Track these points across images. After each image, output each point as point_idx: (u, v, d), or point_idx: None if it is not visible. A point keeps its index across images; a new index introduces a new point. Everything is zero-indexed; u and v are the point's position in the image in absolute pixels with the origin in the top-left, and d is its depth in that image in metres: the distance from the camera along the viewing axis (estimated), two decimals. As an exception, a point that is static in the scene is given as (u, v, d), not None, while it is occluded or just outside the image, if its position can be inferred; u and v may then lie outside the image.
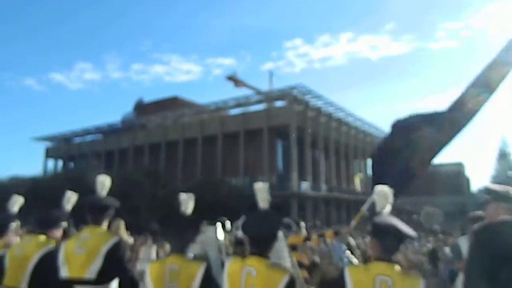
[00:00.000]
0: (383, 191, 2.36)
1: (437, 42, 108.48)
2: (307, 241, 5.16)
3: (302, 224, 6.20)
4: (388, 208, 2.30)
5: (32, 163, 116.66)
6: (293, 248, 4.55)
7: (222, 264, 3.30)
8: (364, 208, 3.64)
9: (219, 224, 4.06)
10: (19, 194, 3.62)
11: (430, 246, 11.87)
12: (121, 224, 5.84)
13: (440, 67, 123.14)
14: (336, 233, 5.15)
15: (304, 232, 6.03)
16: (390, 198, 2.34)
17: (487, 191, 2.62)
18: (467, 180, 68.75)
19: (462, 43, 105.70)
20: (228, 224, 4.60)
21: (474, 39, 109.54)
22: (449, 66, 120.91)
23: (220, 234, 3.92)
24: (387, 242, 2.11)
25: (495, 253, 2.11)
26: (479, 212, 4.02)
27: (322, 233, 4.57)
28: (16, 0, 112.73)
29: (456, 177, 65.02)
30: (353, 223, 3.96)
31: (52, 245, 2.97)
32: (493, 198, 2.54)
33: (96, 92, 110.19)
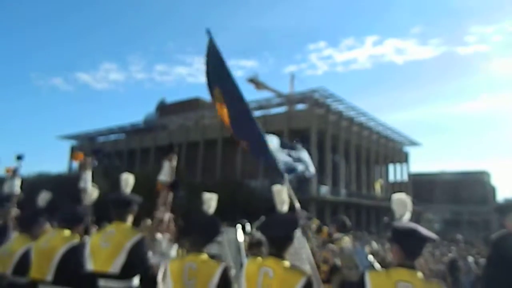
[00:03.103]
0: (401, 198, 2.36)
1: (466, 46, 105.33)
2: (329, 243, 5.15)
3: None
4: (407, 215, 2.28)
5: (57, 161, 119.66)
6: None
7: (241, 265, 3.33)
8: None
9: (239, 226, 4.09)
10: (46, 190, 3.74)
11: (452, 255, 11.62)
12: (148, 222, 5.90)
13: (469, 72, 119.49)
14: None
15: None
16: (409, 205, 2.33)
17: (509, 202, 2.62)
18: (493, 190, 66.69)
19: (493, 48, 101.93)
20: (248, 226, 4.63)
21: (507, 43, 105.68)
22: (479, 71, 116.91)
23: (240, 236, 3.95)
24: (408, 246, 2.10)
25: None
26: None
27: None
28: (44, 3, 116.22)
29: (481, 186, 63.20)
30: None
31: (76, 239, 3.06)
32: None
33: (120, 92, 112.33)
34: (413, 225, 2.15)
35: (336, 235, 5.75)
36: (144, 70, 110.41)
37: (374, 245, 7.87)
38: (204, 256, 2.59)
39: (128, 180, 3.16)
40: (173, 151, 3.54)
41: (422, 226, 2.19)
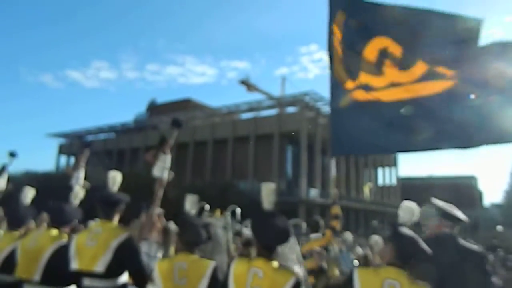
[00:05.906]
0: (410, 206, 2.41)
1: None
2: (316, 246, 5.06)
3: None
4: (409, 223, 2.34)
5: (45, 159, 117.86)
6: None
7: (227, 255, 3.28)
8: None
9: (228, 214, 3.87)
10: (32, 188, 3.68)
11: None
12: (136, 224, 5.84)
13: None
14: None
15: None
16: (416, 214, 2.39)
17: (433, 206, 2.83)
18: (480, 194, 67.62)
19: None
20: (238, 211, 4.39)
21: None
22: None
23: (228, 225, 3.79)
24: (403, 251, 2.13)
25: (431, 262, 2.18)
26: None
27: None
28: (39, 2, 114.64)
29: (468, 190, 63.99)
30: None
31: (65, 239, 3.03)
32: (438, 214, 2.80)
33: (111, 91, 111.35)
34: (416, 237, 2.17)
35: (313, 235, 5.62)
36: (136, 68, 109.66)
37: (359, 250, 7.94)
38: (194, 255, 2.58)
39: (115, 178, 3.12)
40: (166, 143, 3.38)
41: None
